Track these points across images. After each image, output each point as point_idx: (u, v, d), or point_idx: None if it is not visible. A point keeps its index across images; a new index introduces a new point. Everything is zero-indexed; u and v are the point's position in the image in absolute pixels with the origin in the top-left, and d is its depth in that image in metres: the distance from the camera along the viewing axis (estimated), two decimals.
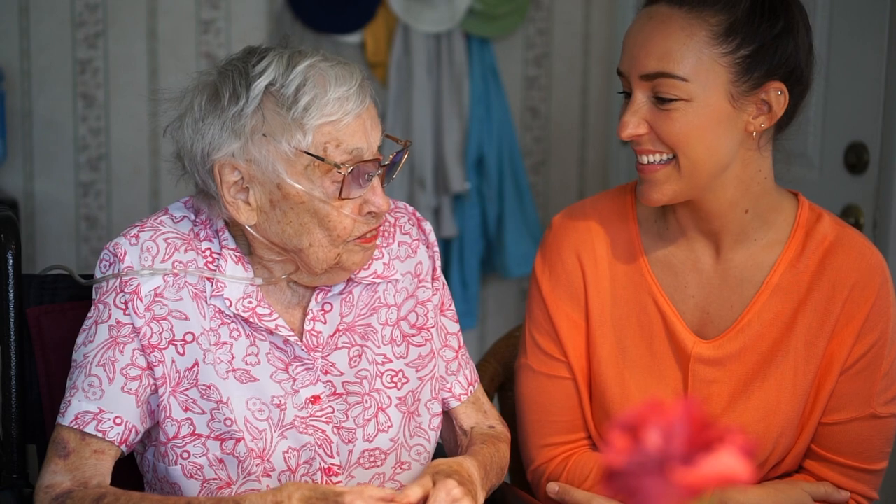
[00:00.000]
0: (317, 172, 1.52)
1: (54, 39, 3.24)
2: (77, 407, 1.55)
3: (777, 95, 1.61)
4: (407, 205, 1.76)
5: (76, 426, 1.54)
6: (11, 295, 1.72)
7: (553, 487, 1.74)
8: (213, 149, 1.53)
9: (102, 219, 3.35)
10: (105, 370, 1.56)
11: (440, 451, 1.74)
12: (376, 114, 1.57)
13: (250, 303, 1.59)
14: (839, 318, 1.67)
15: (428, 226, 1.75)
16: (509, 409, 1.98)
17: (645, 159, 1.62)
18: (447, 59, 3.39)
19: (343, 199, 1.53)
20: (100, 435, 1.54)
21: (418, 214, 1.75)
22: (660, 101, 1.59)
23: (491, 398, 1.90)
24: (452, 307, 1.76)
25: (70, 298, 1.74)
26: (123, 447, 1.56)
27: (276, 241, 1.57)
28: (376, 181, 1.56)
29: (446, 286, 1.76)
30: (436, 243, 1.74)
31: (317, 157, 1.51)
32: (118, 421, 1.55)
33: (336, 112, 1.51)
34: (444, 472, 1.50)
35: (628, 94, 1.63)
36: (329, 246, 1.55)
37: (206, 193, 1.58)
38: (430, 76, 3.38)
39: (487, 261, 3.56)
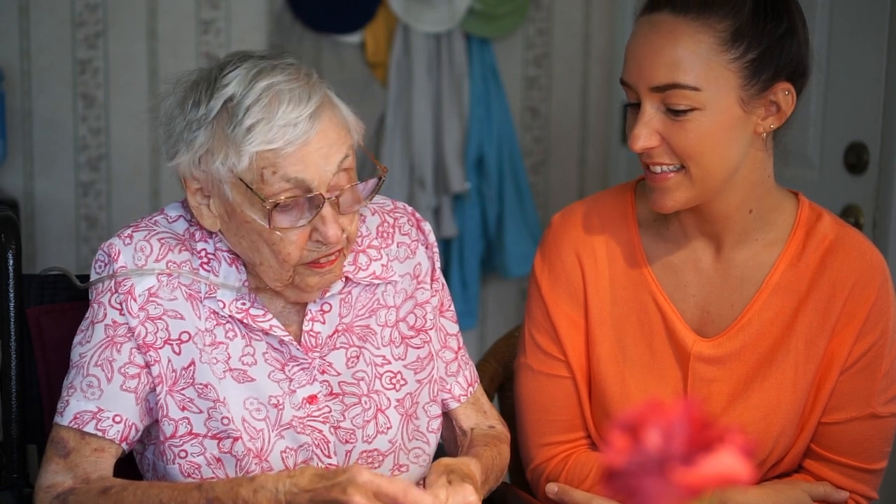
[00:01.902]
0: (255, 197, 1.49)
1: (54, 39, 3.24)
2: (75, 407, 1.55)
3: (785, 95, 1.61)
4: (406, 205, 1.75)
5: (75, 426, 1.54)
6: (11, 295, 1.72)
7: (552, 488, 1.74)
8: (172, 155, 1.54)
9: (102, 219, 3.35)
10: (103, 369, 1.56)
11: (440, 452, 1.74)
12: (338, 138, 1.51)
13: (244, 304, 1.59)
14: (839, 318, 1.68)
15: (427, 226, 1.74)
16: (509, 409, 1.98)
17: (658, 169, 1.62)
18: (447, 59, 3.40)
19: (274, 229, 1.49)
20: (99, 434, 1.54)
21: (417, 215, 1.75)
22: (673, 112, 1.58)
23: (491, 398, 1.90)
24: (452, 308, 1.76)
25: (70, 298, 1.74)
26: (124, 445, 1.56)
27: (238, 252, 1.57)
28: (327, 210, 1.50)
29: (446, 287, 1.76)
30: (435, 244, 1.74)
31: (246, 185, 1.48)
32: (117, 419, 1.55)
33: (277, 140, 1.46)
34: (459, 474, 1.49)
35: (634, 104, 1.62)
36: (278, 268, 1.53)
37: None
38: (430, 76, 3.38)
39: (487, 261, 3.56)
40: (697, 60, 1.57)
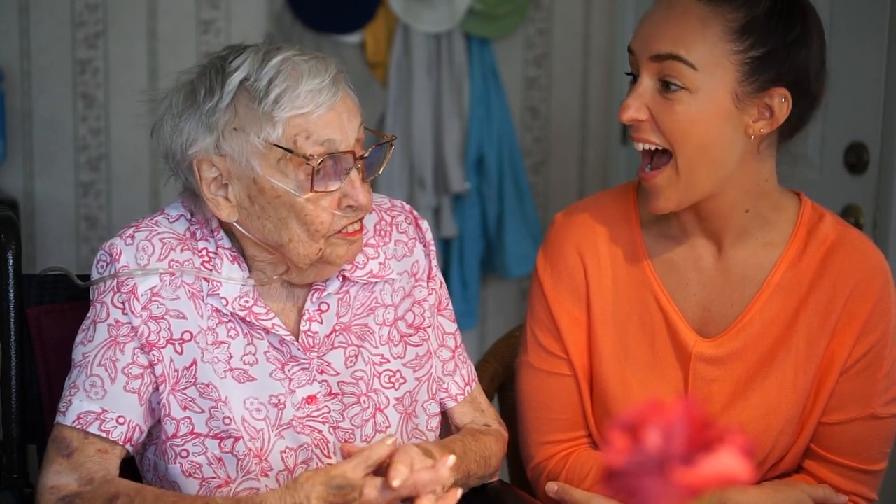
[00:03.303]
0: (290, 166, 1.51)
1: (54, 39, 3.24)
2: (78, 407, 1.55)
3: (780, 102, 1.61)
4: (404, 203, 1.75)
5: (78, 426, 1.54)
6: (11, 295, 1.72)
7: (552, 487, 1.74)
8: (189, 144, 1.54)
9: (102, 219, 3.35)
10: (106, 369, 1.56)
11: None
12: (354, 107, 1.56)
13: (247, 302, 1.59)
14: (840, 318, 1.68)
15: (425, 224, 1.74)
16: (509, 410, 1.98)
17: (639, 146, 1.63)
18: (447, 59, 3.39)
19: (316, 191, 1.52)
20: (103, 435, 1.54)
21: (415, 213, 1.75)
22: (665, 86, 1.59)
23: (491, 398, 1.90)
24: (450, 306, 1.76)
25: (70, 298, 1.74)
26: (128, 446, 1.56)
27: (259, 238, 1.57)
28: (354, 174, 1.54)
29: (444, 285, 1.76)
30: (433, 242, 1.74)
31: (286, 150, 1.50)
32: (121, 420, 1.55)
33: (307, 104, 1.51)
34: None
35: (634, 77, 1.63)
36: (308, 241, 1.54)
37: (193, 192, 1.59)
38: (430, 76, 3.38)
39: (487, 261, 3.56)
40: (702, 42, 1.58)
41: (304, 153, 1.50)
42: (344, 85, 1.56)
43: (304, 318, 1.62)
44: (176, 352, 1.57)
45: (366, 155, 1.56)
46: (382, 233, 1.70)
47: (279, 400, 1.58)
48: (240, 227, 1.58)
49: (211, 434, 1.56)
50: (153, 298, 1.57)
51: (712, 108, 1.59)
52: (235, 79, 1.52)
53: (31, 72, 3.23)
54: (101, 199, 3.34)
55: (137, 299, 1.57)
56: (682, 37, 1.58)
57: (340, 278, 1.64)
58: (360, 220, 1.58)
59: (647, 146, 1.62)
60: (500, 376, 2.01)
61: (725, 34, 1.58)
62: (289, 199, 1.52)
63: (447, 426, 1.76)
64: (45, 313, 1.73)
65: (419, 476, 1.43)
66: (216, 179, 1.55)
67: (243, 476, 1.56)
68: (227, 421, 1.56)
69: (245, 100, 1.52)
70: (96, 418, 1.54)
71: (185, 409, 1.57)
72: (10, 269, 1.72)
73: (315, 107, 1.51)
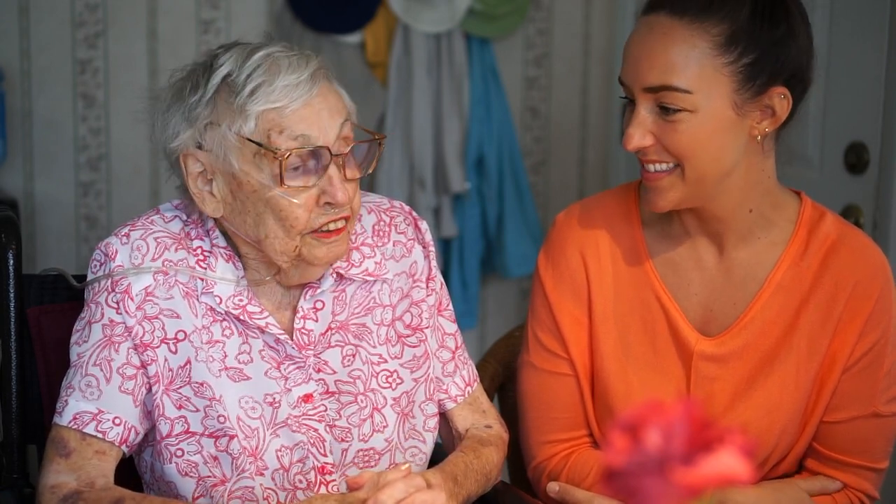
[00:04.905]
0: (264, 160, 1.51)
1: (54, 39, 3.24)
2: (75, 407, 1.55)
3: (780, 100, 1.61)
4: (403, 204, 1.75)
5: (75, 426, 1.54)
6: (12, 295, 1.72)
7: (553, 487, 1.74)
8: (173, 138, 1.55)
9: (102, 219, 3.35)
10: (102, 369, 1.56)
11: (440, 452, 1.74)
12: (337, 103, 1.55)
13: (241, 300, 1.59)
14: (842, 316, 1.68)
15: (424, 225, 1.74)
16: (509, 410, 1.98)
17: (651, 168, 1.63)
18: (447, 59, 3.39)
19: (287, 186, 1.51)
20: (100, 436, 1.54)
21: (414, 213, 1.75)
22: (664, 111, 1.59)
23: (491, 398, 1.90)
24: (450, 307, 1.76)
25: (70, 299, 1.74)
26: (124, 448, 1.56)
27: (242, 234, 1.57)
28: (333, 171, 1.53)
29: (444, 286, 1.75)
30: (431, 243, 1.74)
31: (256, 143, 1.50)
32: (117, 421, 1.55)
33: (282, 99, 1.50)
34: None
35: (632, 101, 1.63)
36: (284, 237, 1.54)
37: (185, 188, 1.60)
38: (430, 76, 3.38)
39: (487, 261, 3.56)
40: (690, 63, 1.57)
41: (276, 147, 1.50)
42: (325, 81, 1.55)
43: (298, 315, 1.62)
44: (170, 351, 1.57)
45: (345, 152, 1.55)
46: (381, 233, 1.69)
47: (274, 398, 1.58)
48: (227, 224, 1.58)
49: (206, 433, 1.56)
50: (147, 298, 1.58)
51: (714, 122, 1.58)
52: (219, 74, 1.53)
53: (31, 72, 3.23)
54: (101, 199, 3.34)
55: (132, 299, 1.57)
56: (670, 65, 1.57)
57: (336, 276, 1.64)
58: (344, 219, 1.57)
59: (658, 167, 1.62)
60: (500, 376, 2.01)
61: (713, 49, 1.57)
62: (265, 194, 1.52)
63: (445, 427, 1.75)
64: (45, 313, 1.73)
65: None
66: (202, 174, 1.56)
67: (238, 475, 1.56)
68: (221, 419, 1.56)
69: (224, 94, 1.53)
70: (93, 419, 1.54)
71: (179, 408, 1.57)
72: (11, 269, 1.72)
73: (289, 101, 1.50)
